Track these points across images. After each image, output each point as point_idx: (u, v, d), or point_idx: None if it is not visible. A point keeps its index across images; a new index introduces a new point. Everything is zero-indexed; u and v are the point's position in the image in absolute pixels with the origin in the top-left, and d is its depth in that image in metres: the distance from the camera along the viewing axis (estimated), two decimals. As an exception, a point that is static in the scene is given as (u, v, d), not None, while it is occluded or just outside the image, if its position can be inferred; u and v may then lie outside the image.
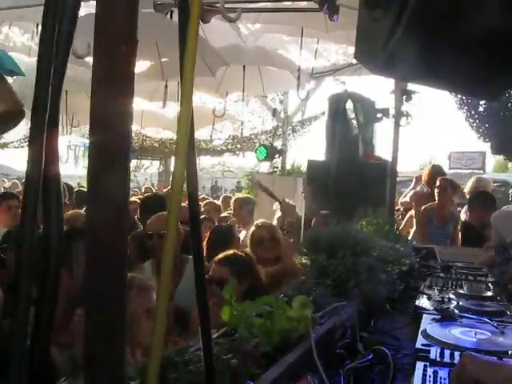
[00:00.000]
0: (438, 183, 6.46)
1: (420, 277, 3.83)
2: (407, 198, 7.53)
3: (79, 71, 6.42)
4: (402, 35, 2.56)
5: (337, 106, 6.16)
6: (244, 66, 7.13)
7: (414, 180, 7.79)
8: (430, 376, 1.69)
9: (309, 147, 13.89)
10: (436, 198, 6.41)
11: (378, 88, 7.79)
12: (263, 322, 1.46)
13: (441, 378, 1.67)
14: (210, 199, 8.51)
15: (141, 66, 7.00)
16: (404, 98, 5.35)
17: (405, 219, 7.32)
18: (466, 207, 6.87)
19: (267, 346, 1.38)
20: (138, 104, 9.74)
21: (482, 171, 17.79)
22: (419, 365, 1.80)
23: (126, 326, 0.86)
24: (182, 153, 0.90)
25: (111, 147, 0.84)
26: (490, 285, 3.77)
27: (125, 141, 0.85)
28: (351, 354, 1.86)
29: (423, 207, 6.56)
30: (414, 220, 6.78)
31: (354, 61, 7.67)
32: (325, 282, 2.09)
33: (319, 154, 6.55)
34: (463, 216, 6.84)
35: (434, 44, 2.78)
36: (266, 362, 1.33)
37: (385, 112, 5.73)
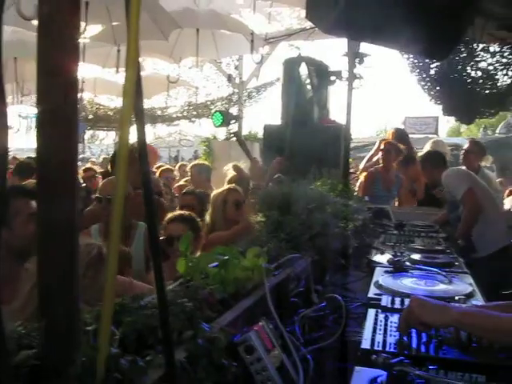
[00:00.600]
0: (382, 146, 6.57)
1: (374, 235, 3.93)
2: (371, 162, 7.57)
3: (28, 36, 6.21)
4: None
5: (291, 70, 6.17)
6: (197, 30, 7.04)
7: (377, 143, 7.81)
8: (381, 321, 1.75)
9: (265, 113, 13.91)
10: (380, 162, 6.52)
11: (331, 52, 7.81)
12: (218, 271, 1.49)
13: (391, 322, 1.73)
14: (168, 166, 8.41)
15: (92, 30, 6.83)
16: (357, 60, 5.38)
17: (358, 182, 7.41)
18: None
19: (223, 293, 1.41)
20: (91, 71, 9.52)
21: (435, 135, 18.15)
22: (371, 311, 1.86)
23: (77, 269, 0.88)
24: (127, 119, 0.90)
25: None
26: (441, 240, 3.89)
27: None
28: (306, 304, 1.91)
29: (368, 171, 6.68)
30: None
31: (308, 25, 7.67)
32: (279, 236, 2.13)
33: (275, 119, 6.58)
34: None
35: (382, 3, 2.80)
36: (222, 308, 1.36)
37: (338, 74, 5.76)
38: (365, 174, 6.83)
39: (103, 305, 0.88)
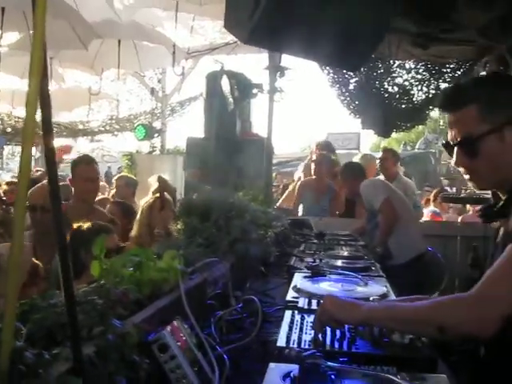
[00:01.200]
0: (314, 157, 6.68)
1: (295, 244, 3.99)
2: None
3: None
4: (265, 6, 2.63)
5: (213, 83, 6.24)
6: (119, 41, 6.98)
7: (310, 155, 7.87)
8: (297, 321, 1.78)
9: (189, 127, 13.93)
10: (312, 173, 6.62)
11: (254, 66, 7.92)
12: (132, 273, 1.48)
13: (307, 322, 1.76)
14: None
15: (9, 37, 6.62)
16: (278, 74, 5.49)
17: (284, 194, 7.51)
18: None
19: (137, 294, 1.40)
20: (8, 82, 9.24)
21: (357, 151, 18.65)
22: (287, 313, 1.89)
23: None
24: (30, 132, 0.86)
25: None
26: (359, 248, 3.99)
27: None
28: (224, 307, 1.92)
29: (300, 181, 6.77)
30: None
31: (231, 39, 7.74)
32: (197, 241, 2.13)
33: (199, 133, 6.61)
34: None
35: (299, 15, 2.87)
36: (137, 308, 1.35)
37: (259, 87, 5.85)
38: (299, 184, 6.89)
39: (6, 297, 0.87)
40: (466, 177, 1.77)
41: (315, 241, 4.22)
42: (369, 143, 26.69)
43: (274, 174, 10.94)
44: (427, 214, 8.04)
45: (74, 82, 11.39)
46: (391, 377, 1.26)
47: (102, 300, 1.18)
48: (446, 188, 11.61)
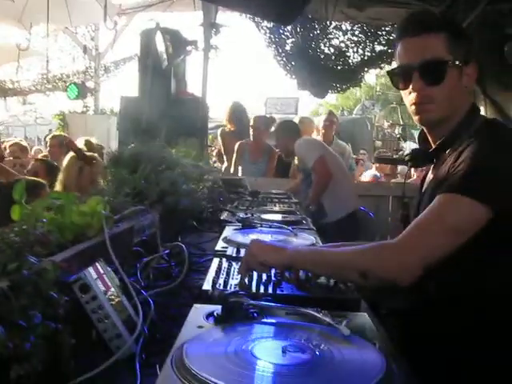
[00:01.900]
0: (251, 122, 6.68)
1: (229, 202, 3.99)
2: None
3: None
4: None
5: (147, 40, 6.07)
6: (47, -7, 6.70)
7: None
8: (224, 267, 1.79)
9: (124, 87, 13.61)
10: (250, 136, 6.63)
11: (190, 24, 7.76)
12: (54, 217, 1.44)
13: (234, 268, 1.77)
14: (17, 141, 7.98)
15: None
16: (213, 31, 5.41)
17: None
18: None
19: (59, 237, 1.37)
20: None
21: (295, 115, 18.76)
22: (215, 260, 1.89)
23: None
24: None
25: None
26: (293, 205, 4.03)
27: None
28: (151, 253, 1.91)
29: (238, 143, 6.76)
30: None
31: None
32: (124, 191, 2.10)
33: (133, 92, 6.45)
34: None
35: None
36: (58, 251, 1.32)
37: (194, 44, 5.76)
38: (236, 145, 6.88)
39: None
40: (415, 108, 1.73)
41: (249, 198, 4.24)
42: (307, 108, 26.86)
43: (210, 136, 10.87)
44: (369, 177, 8.22)
45: (0, 37, 10.88)
46: (313, 312, 1.28)
47: (19, 239, 1.15)
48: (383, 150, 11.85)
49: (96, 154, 4.15)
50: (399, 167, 8.26)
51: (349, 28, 7.55)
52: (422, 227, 1.52)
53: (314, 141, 5.63)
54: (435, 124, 1.78)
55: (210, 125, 9.40)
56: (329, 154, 5.17)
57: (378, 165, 8.73)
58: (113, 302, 1.31)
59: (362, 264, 1.51)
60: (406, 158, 1.93)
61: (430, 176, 1.84)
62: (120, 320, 1.29)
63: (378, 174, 8.44)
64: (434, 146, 1.79)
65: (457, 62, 1.67)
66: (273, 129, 6.36)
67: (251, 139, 6.59)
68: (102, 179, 2.68)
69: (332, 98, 29.34)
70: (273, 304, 1.34)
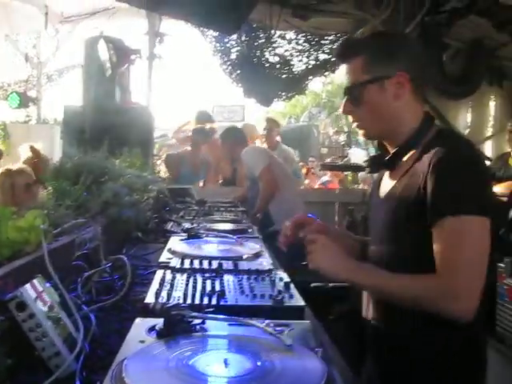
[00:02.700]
0: (189, 134, 6.72)
1: (176, 212, 3.96)
2: None
3: None
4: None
5: (91, 48, 5.99)
6: (-13, 1, 6.54)
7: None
8: (168, 279, 1.77)
9: (68, 96, 13.36)
10: (190, 146, 6.67)
11: (135, 33, 7.70)
12: (-12, 233, 1.40)
13: (178, 281, 1.75)
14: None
15: None
16: (157, 40, 5.39)
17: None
18: None
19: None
20: None
21: (242, 123, 18.83)
22: (159, 272, 1.88)
23: None
24: None
25: None
26: (239, 214, 4.04)
27: None
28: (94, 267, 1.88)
29: (176, 152, 6.78)
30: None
31: (110, 4, 7.48)
32: (65, 204, 2.06)
33: (77, 101, 6.35)
34: None
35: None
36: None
37: (138, 52, 5.72)
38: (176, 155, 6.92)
39: None
40: (355, 125, 1.88)
41: (195, 207, 4.23)
42: (254, 116, 26.97)
43: (157, 145, 10.77)
44: (319, 183, 8.35)
45: None
46: (255, 323, 1.28)
47: None
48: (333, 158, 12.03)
49: (26, 165, 4.04)
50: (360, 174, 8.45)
51: (293, 37, 7.63)
52: (464, 262, 1.53)
53: (261, 149, 5.66)
54: (379, 138, 1.91)
55: (156, 134, 9.33)
56: (275, 162, 5.20)
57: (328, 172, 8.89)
58: (52, 320, 1.27)
59: (423, 305, 1.56)
60: (364, 164, 1.99)
61: (388, 182, 1.87)
62: (59, 338, 1.26)
63: (326, 179, 8.57)
64: (390, 153, 1.85)
65: (374, 80, 1.75)
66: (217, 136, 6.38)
67: (189, 149, 6.65)
68: (43, 191, 2.61)
69: (279, 105, 29.57)
70: (215, 316, 1.33)
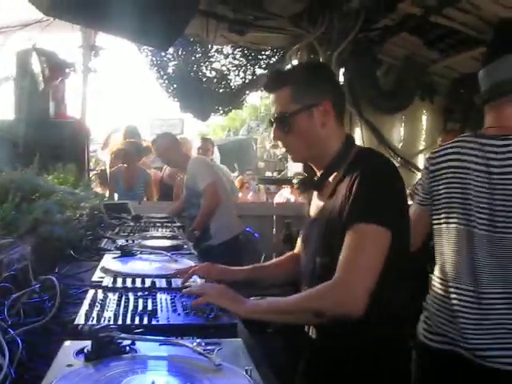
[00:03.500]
0: (123, 146, 6.66)
1: (111, 228, 3.90)
2: None
3: None
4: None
5: (23, 61, 5.87)
6: None
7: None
8: (100, 299, 1.74)
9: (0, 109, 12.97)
10: (124, 161, 6.62)
11: (69, 45, 7.57)
12: None
13: (110, 300, 1.73)
14: None
15: None
16: (92, 53, 5.32)
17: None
18: None
19: None
20: None
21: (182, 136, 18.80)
22: (90, 291, 1.85)
23: None
24: None
25: None
26: (175, 229, 4.01)
27: None
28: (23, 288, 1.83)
29: (111, 170, 6.71)
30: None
31: (44, 17, 7.35)
32: (-8, 221, 2.00)
33: (9, 114, 6.19)
34: None
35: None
36: None
37: (72, 66, 5.63)
38: (109, 172, 6.87)
39: None
40: (283, 150, 2.01)
41: (131, 223, 4.18)
42: (194, 129, 26.93)
43: (93, 160, 10.60)
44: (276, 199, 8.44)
45: None
46: (185, 343, 1.28)
47: None
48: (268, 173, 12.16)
49: None
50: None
51: (230, 52, 7.70)
52: (354, 263, 1.65)
53: (209, 164, 5.58)
54: (307, 161, 2.03)
55: (93, 147, 9.18)
56: (219, 179, 5.17)
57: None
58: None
59: (316, 307, 1.66)
60: (295, 184, 2.10)
61: (317, 202, 2.00)
62: (-18, 363, 1.22)
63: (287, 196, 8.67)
64: (317, 174, 1.98)
65: (303, 109, 1.86)
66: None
67: (124, 165, 6.58)
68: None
69: (218, 118, 29.63)
70: (145, 336, 1.32)
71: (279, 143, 1.99)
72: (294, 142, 1.92)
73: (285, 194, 8.79)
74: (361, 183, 1.71)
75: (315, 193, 2.04)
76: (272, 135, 1.98)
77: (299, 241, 2.19)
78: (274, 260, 2.41)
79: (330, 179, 1.91)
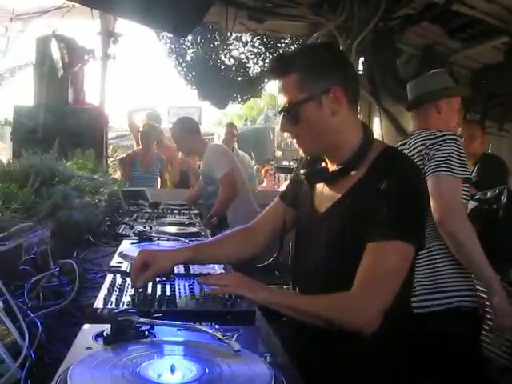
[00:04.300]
0: (140, 128, 6.67)
1: (129, 215, 3.91)
2: None
3: None
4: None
5: (43, 48, 5.90)
6: None
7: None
8: (118, 284, 1.75)
9: (20, 96, 13.07)
10: (140, 143, 6.64)
11: (88, 32, 7.60)
12: None
13: (128, 285, 1.73)
14: None
15: None
16: (111, 40, 5.33)
17: None
18: None
19: None
20: None
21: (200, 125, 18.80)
22: (109, 276, 1.85)
23: None
24: None
25: None
26: (192, 216, 4.01)
27: None
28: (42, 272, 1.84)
29: (126, 153, 6.74)
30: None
31: (63, 3, 7.37)
32: (12, 207, 2.01)
33: (29, 101, 6.23)
34: None
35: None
36: None
37: (91, 52, 5.64)
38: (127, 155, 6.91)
39: None
40: (294, 141, 1.84)
41: (149, 210, 4.19)
42: (211, 118, 26.95)
43: (111, 147, 10.65)
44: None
45: None
46: (204, 328, 1.28)
47: None
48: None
49: None
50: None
51: (249, 39, 7.67)
52: (374, 281, 1.58)
53: (228, 152, 5.53)
54: (320, 154, 1.87)
55: (111, 134, 9.21)
56: (237, 167, 5.14)
57: None
58: (-5, 326, 1.25)
59: (328, 315, 1.57)
60: (304, 174, 1.93)
61: (327, 196, 1.84)
62: (2, 346, 1.23)
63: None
64: (327, 166, 1.84)
65: (311, 97, 1.70)
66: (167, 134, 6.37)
67: (140, 147, 6.62)
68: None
69: (236, 107, 29.60)
70: (164, 321, 1.32)
71: (288, 134, 1.86)
72: (304, 133, 1.77)
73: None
74: (391, 194, 1.62)
75: (319, 185, 1.89)
76: (280, 126, 1.83)
77: (260, 216, 2.11)
78: (218, 236, 2.17)
79: (348, 176, 1.75)
